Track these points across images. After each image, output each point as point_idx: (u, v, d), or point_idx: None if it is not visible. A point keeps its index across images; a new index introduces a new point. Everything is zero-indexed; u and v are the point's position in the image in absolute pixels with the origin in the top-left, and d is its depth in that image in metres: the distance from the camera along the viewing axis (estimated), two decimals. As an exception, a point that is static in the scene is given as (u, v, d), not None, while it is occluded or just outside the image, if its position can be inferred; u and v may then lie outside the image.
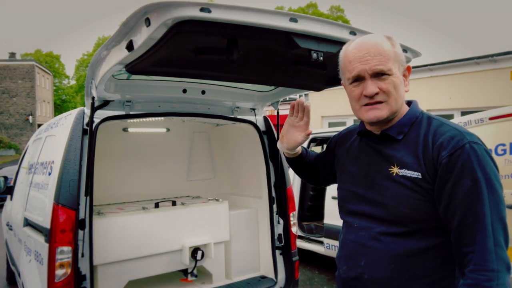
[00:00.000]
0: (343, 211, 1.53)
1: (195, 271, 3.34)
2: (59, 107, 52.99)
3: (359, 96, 1.36)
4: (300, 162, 1.84)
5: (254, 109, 3.44)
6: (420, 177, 1.28)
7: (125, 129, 3.84)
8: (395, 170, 1.33)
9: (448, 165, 1.23)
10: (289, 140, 1.70)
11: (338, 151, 1.64)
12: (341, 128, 5.83)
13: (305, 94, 15.85)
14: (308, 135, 1.66)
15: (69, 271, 2.44)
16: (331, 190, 5.04)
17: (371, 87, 1.31)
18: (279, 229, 3.42)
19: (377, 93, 1.32)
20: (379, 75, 1.31)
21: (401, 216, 1.29)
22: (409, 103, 1.45)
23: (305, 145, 6.00)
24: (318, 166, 1.83)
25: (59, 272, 2.42)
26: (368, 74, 1.32)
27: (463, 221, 1.20)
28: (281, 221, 3.41)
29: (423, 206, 1.27)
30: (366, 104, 1.36)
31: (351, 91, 1.39)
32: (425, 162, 1.28)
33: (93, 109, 2.57)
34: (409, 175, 1.30)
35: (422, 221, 1.28)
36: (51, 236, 2.44)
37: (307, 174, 1.90)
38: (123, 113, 2.87)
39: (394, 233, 1.31)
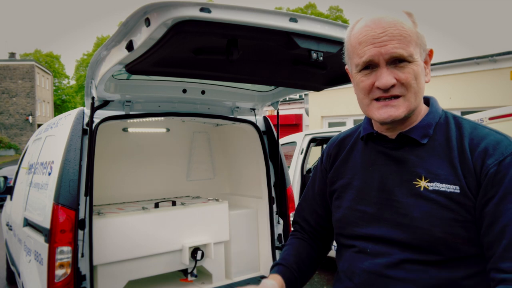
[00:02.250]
0: (345, 234, 1.21)
1: (195, 271, 3.34)
2: (59, 107, 53.02)
3: (369, 88, 1.08)
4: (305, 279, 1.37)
5: (254, 109, 3.44)
6: (459, 191, 1.01)
7: (125, 129, 3.84)
8: (423, 183, 1.06)
9: (496, 175, 0.98)
10: None
11: (334, 164, 1.31)
12: (341, 128, 5.84)
13: (305, 94, 15.87)
14: None
15: (69, 271, 2.44)
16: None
17: (387, 77, 1.03)
18: (279, 229, 3.42)
19: (393, 85, 1.04)
20: (397, 61, 1.04)
21: (432, 242, 1.02)
22: (425, 99, 1.17)
23: (304, 145, 6.00)
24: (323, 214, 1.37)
25: (59, 272, 2.42)
26: (383, 60, 1.04)
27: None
28: (281, 221, 3.41)
29: (460, 228, 1.00)
30: (378, 99, 1.08)
31: (360, 81, 1.09)
32: (463, 173, 1.02)
33: (93, 109, 2.57)
34: (443, 189, 1.03)
35: (460, 247, 1.01)
36: (51, 236, 2.44)
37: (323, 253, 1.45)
38: (123, 113, 2.87)
39: (423, 261, 1.04)
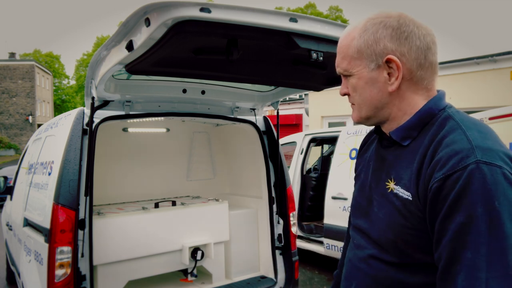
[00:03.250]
0: (351, 223, 1.29)
1: (195, 271, 3.34)
2: (59, 107, 53.01)
3: None
4: None
5: (254, 109, 3.44)
6: (410, 199, 0.99)
7: (125, 129, 3.84)
8: (391, 185, 1.06)
9: (440, 191, 0.91)
10: None
11: (359, 153, 1.39)
12: (341, 129, 5.82)
13: (305, 94, 15.86)
14: None
15: (69, 271, 2.44)
16: (331, 190, 5.04)
17: (341, 86, 1.17)
18: (279, 229, 3.42)
19: (348, 94, 1.15)
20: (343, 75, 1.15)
21: (388, 244, 1.05)
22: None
23: (304, 145, 6.00)
24: None
25: (59, 272, 2.42)
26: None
27: (447, 268, 0.91)
28: (281, 221, 3.41)
29: (410, 235, 0.99)
30: None
31: None
32: (417, 181, 0.99)
33: (93, 109, 2.58)
34: (400, 194, 1.02)
35: (411, 254, 1.01)
36: (51, 236, 2.44)
37: None
38: (123, 113, 2.87)
39: (384, 260, 1.07)
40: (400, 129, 1.09)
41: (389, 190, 1.06)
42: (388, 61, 1.04)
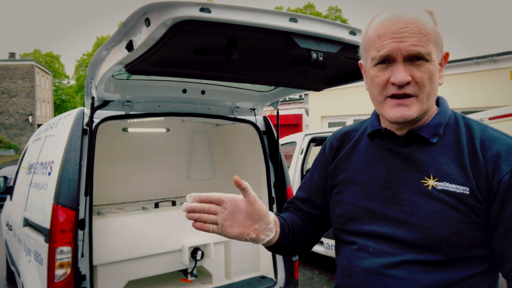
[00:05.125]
0: (346, 230, 1.20)
1: (195, 271, 3.34)
2: (59, 107, 53.04)
3: (384, 84, 1.06)
4: (288, 238, 1.27)
5: (254, 109, 3.44)
6: (468, 193, 1.01)
7: (125, 129, 3.84)
8: (431, 182, 1.05)
9: (510, 182, 0.99)
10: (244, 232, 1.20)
11: (336, 157, 1.29)
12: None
13: (305, 94, 15.87)
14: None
15: (68, 271, 2.44)
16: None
17: (403, 73, 1.02)
18: (279, 229, 3.41)
19: (408, 83, 1.03)
20: (414, 59, 1.02)
21: (437, 241, 1.02)
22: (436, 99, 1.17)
23: (304, 145, 5.99)
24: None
25: (59, 272, 2.42)
26: (401, 56, 1.02)
27: None
28: (281, 221, 3.41)
29: (467, 229, 1.01)
30: (393, 96, 1.05)
31: (375, 75, 1.07)
32: (474, 175, 1.02)
33: (93, 109, 2.58)
34: (452, 189, 1.02)
35: (464, 248, 1.03)
36: (50, 236, 2.44)
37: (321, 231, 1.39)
38: (123, 113, 2.87)
39: (425, 261, 1.04)
40: (429, 126, 1.10)
41: (430, 188, 1.05)
42: (444, 56, 1.12)
